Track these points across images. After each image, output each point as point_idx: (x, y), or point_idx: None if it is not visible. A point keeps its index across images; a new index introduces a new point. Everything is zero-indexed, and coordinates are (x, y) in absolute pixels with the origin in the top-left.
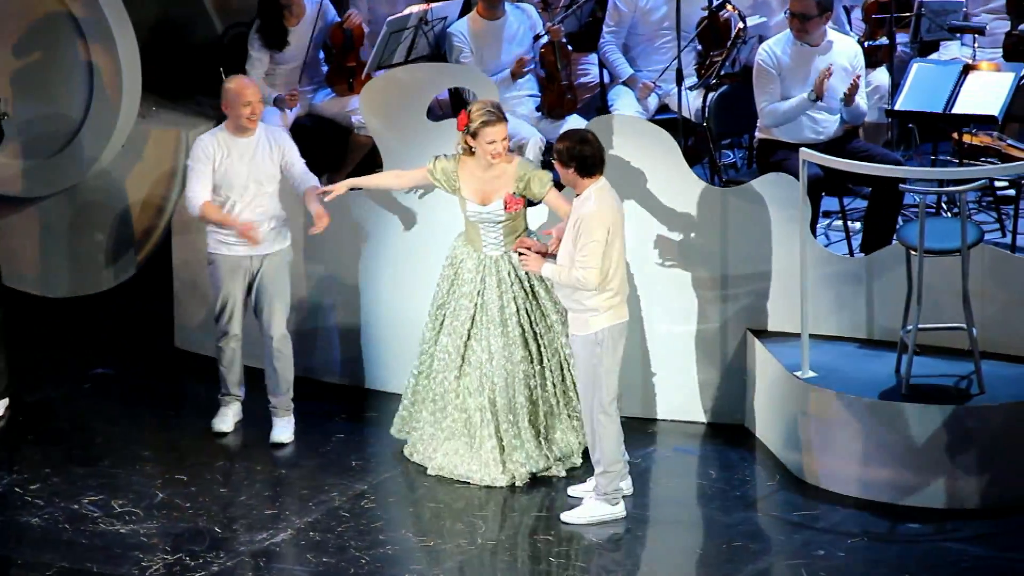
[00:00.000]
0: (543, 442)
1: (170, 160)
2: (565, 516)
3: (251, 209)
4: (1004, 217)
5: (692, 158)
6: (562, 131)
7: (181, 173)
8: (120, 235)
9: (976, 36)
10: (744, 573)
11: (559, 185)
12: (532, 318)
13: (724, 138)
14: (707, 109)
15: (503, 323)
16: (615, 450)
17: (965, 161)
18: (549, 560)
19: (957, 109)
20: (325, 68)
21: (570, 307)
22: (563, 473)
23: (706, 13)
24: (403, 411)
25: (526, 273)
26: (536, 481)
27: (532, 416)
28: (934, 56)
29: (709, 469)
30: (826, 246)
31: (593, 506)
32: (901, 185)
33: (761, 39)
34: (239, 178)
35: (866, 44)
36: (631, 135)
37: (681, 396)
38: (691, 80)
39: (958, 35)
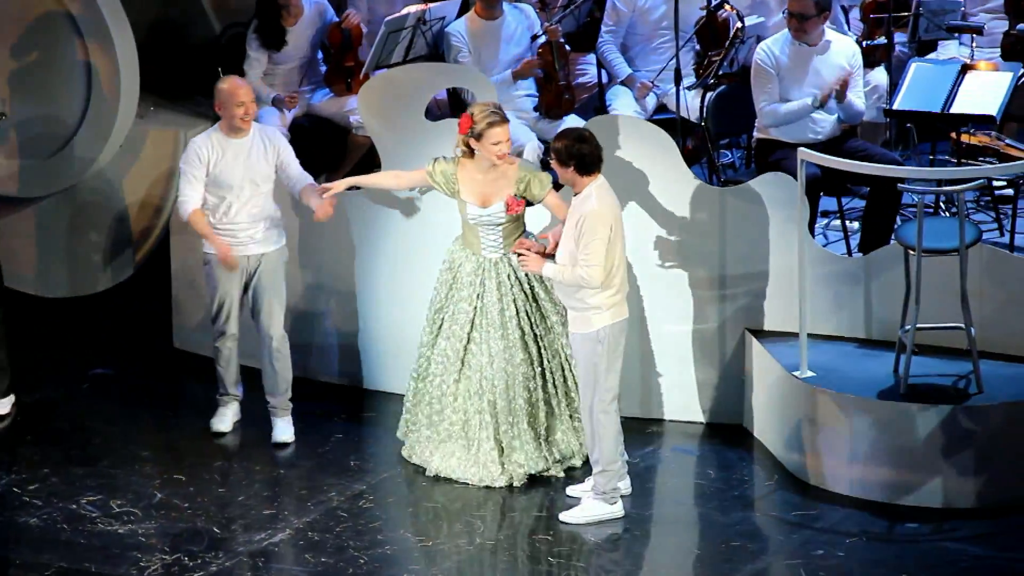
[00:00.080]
0: (543, 444)
1: (168, 160)
2: (564, 516)
3: (247, 209)
4: (1002, 216)
5: (690, 158)
6: (560, 130)
7: (179, 173)
8: (118, 235)
9: (974, 36)
10: (743, 573)
11: (557, 186)
12: (532, 320)
13: (722, 138)
14: (705, 109)
15: (503, 326)
16: (614, 449)
17: (963, 161)
18: (548, 560)
19: (955, 109)
20: (323, 68)
21: (571, 306)
22: (562, 474)
23: (704, 13)
24: (406, 413)
25: (526, 275)
26: (534, 481)
27: (531, 418)
28: (932, 56)
29: (708, 469)
30: (824, 246)
31: (591, 506)
32: (899, 185)
33: (759, 39)
34: (234, 179)
35: (864, 44)
36: (629, 135)
37: (680, 396)
38: (689, 80)
39: (956, 35)
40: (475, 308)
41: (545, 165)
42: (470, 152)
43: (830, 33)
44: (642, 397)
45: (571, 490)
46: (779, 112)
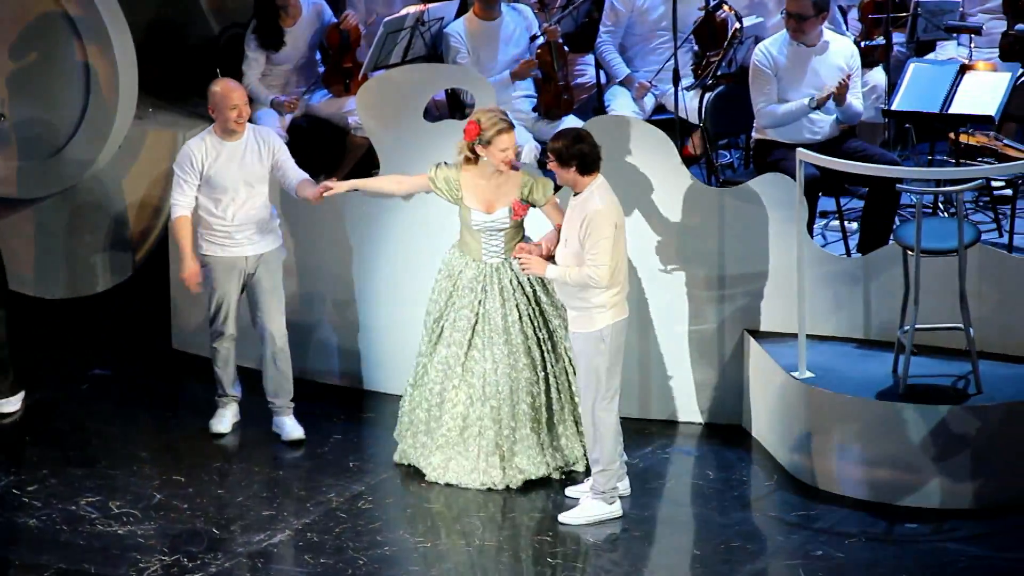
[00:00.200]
0: (546, 450)
1: (167, 161)
2: (563, 517)
3: (243, 210)
4: (1001, 217)
5: (689, 158)
6: (558, 131)
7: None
8: (117, 236)
9: (972, 36)
10: (742, 573)
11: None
12: (535, 324)
13: (721, 138)
14: (704, 109)
15: (506, 331)
16: (614, 449)
17: (962, 161)
18: (547, 561)
19: (954, 109)
20: (321, 69)
21: (573, 306)
22: (563, 477)
23: (703, 14)
24: (403, 417)
25: (528, 279)
26: (533, 482)
27: (534, 423)
28: (931, 56)
29: (707, 469)
30: (823, 246)
31: (590, 506)
32: (898, 185)
33: (757, 39)
34: (229, 181)
35: (863, 44)
36: (628, 136)
37: (678, 397)
38: (688, 80)
39: (954, 35)
40: (477, 314)
41: (542, 166)
42: (474, 158)
43: (828, 34)
44: (641, 398)
45: (570, 491)
46: (777, 113)
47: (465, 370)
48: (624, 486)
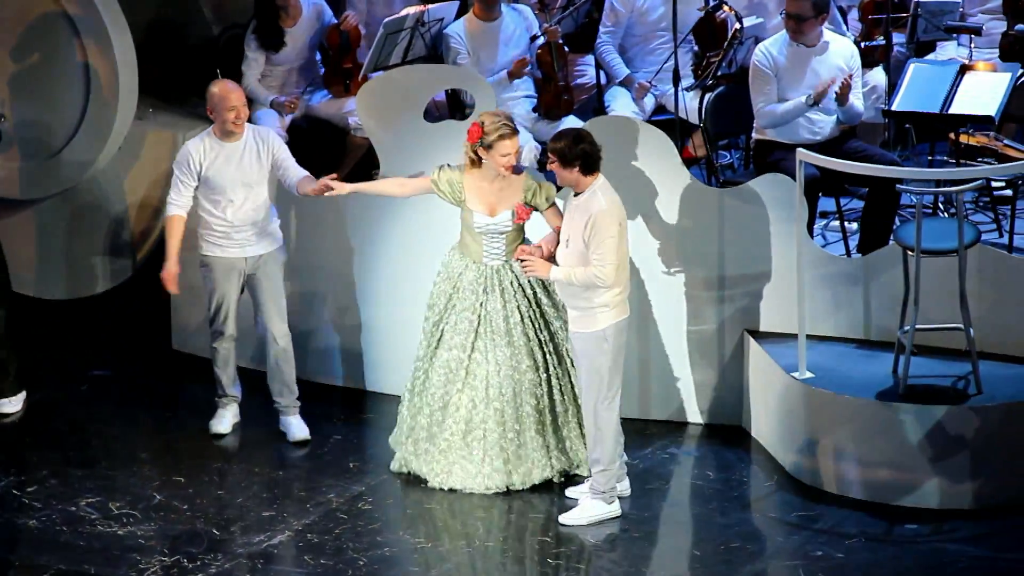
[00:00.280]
0: (551, 452)
1: (167, 162)
2: (563, 518)
3: (242, 211)
4: (1001, 217)
5: (689, 159)
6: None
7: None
8: (117, 237)
9: (973, 36)
10: (742, 574)
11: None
12: (536, 326)
13: (721, 139)
14: (704, 110)
15: (508, 333)
16: (615, 448)
17: (962, 161)
18: (547, 562)
19: (954, 109)
20: (321, 69)
21: (576, 306)
22: (563, 480)
23: (702, 14)
24: (402, 423)
25: (528, 281)
26: (534, 483)
27: (539, 426)
28: (931, 56)
29: (706, 470)
30: (823, 247)
31: (590, 506)
32: (898, 185)
33: (758, 40)
34: (227, 181)
35: (863, 44)
36: (628, 136)
37: (678, 397)
38: (688, 81)
39: (955, 35)
40: (479, 316)
41: (542, 166)
42: (477, 161)
43: (828, 34)
44: (641, 398)
45: (570, 491)
46: (776, 112)
47: (468, 373)
48: (624, 487)
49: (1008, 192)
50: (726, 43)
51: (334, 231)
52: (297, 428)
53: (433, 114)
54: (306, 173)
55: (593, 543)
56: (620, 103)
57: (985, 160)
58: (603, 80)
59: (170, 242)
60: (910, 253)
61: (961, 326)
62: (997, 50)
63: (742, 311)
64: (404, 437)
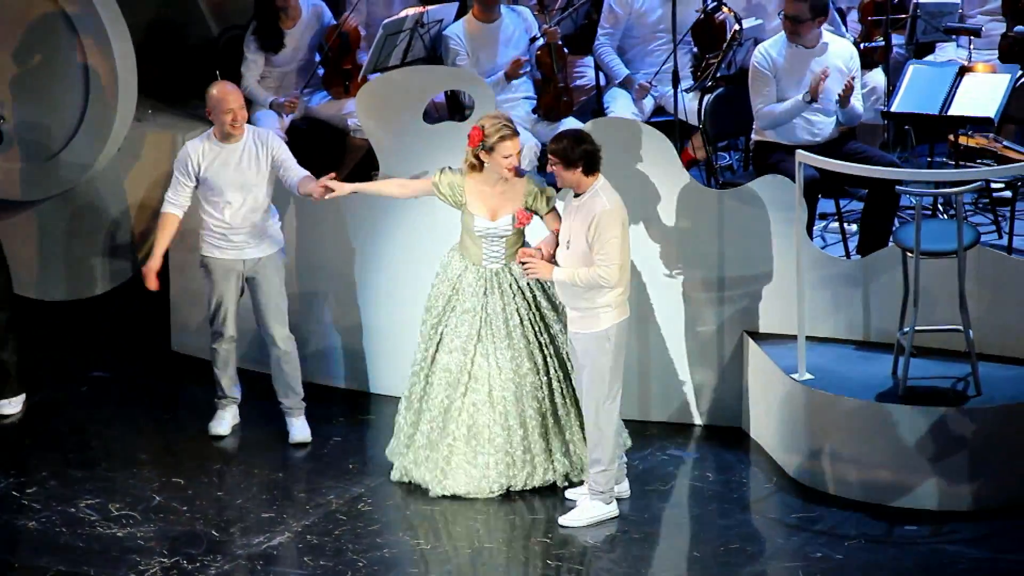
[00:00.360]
0: (554, 455)
1: (166, 163)
2: (563, 520)
3: (241, 213)
4: (1000, 219)
5: (689, 161)
6: (556, 133)
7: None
8: (116, 238)
9: (972, 38)
10: (741, 575)
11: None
12: (536, 329)
13: (720, 140)
14: (703, 111)
15: (508, 335)
16: (615, 448)
17: (961, 163)
18: (547, 563)
19: (953, 111)
20: (321, 71)
21: (578, 306)
22: (565, 483)
23: (701, 16)
24: (399, 432)
25: (528, 284)
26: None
27: (542, 429)
28: (930, 58)
29: (706, 471)
30: (822, 248)
31: (590, 506)
32: (897, 187)
33: (757, 41)
34: (224, 183)
35: (862, 46)
36: (627, 137)
37: (678, 399)
38: (687, 82)
39: (954, 37)
40: (480, 319)
41: (541, 166)
42: (479, 165)
43: (827, 35)
44: (640, 400)
45: (569, 493)
46: (774, 113)
47: (471, 377)
48: (624, 488)
49: (1007, 194)
50: (725, 45)
51: (335, 231)
52: (297, 430)
53: (432, 115)
54: (307, 173)
55: (592, 544)
56: (619, 104)
57: (984, 162)
58: (602, 81)
59: (158, 237)
60: (909, 254)
61: (960, 327)
62: (996, 51)
63: (742, 312)
64: (403, 447)
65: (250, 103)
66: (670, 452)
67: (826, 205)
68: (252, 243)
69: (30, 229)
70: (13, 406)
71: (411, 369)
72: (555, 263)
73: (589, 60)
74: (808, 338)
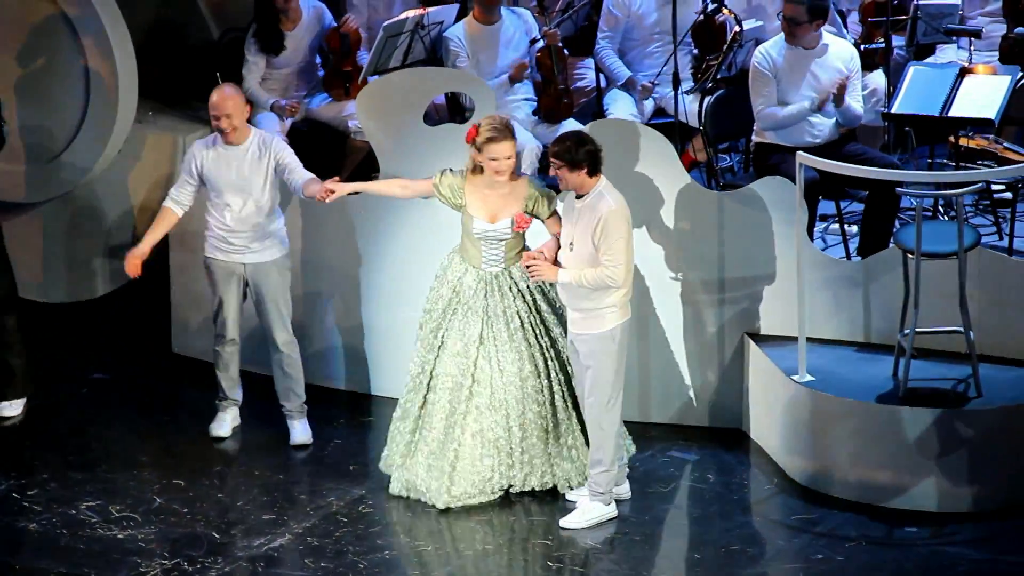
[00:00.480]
0: (554, 459)
1: (167, 165)
2: (563, 522)
3: (241, 217)
4: (1001, 220)
5: (689, 163)
6: (557, 135)
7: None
8: (117, 240)
9: (972, 39)
10: None
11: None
12: (537, 332)
13: (720, 142)
14: (703, 113)
15: (510, 338)
16: (616, 449)
17: (962, 164)
18: (547, 564)
19: (954, 112)
20: (321, 73)
21: (582, 307)
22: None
23: (699, 17)
24: (393, 442)
25: (527, 287)
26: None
27: (542, 432)
28: (930, 59)
29: (707, 473)
30: (823, 249)
31: (590, 507)
32: (898, 188)
33: (757, 43)
34: (224, 186)
35: (862, 47)
36: (628, 139)
37: (679, 400)
38: (687, 84)
39: (954, 38)
40: (482, 322)
41: (543, 168)
42: (480, 167)
43: (828, 36)
44: (641, 401)
45: (569, 494)
46: (777, 115)
47: (475, 380)
48: (624, 489)
49: (1008, 195)
50: (725, 46)
51: (338, 233)
52: (298, 433)
53: (433, 117)
54: (311, 175)
55: (592, 545)
56: (619, 106)
57: (985, 163)
58: (603, 83)
59: (152, 228)
60: (910, 256)
61: (961, 329)
62: (997, 53)
63: (742, 314)
64: (400, 457)
65: (251, 105)
66: (671, 454)
67: (827, 207)
68: (253, 247)
69: (31, 231)
70: (13, 408)
71: (408, 379)
72: (558, 266)
73: (589, 62)
74: (809, 339)
